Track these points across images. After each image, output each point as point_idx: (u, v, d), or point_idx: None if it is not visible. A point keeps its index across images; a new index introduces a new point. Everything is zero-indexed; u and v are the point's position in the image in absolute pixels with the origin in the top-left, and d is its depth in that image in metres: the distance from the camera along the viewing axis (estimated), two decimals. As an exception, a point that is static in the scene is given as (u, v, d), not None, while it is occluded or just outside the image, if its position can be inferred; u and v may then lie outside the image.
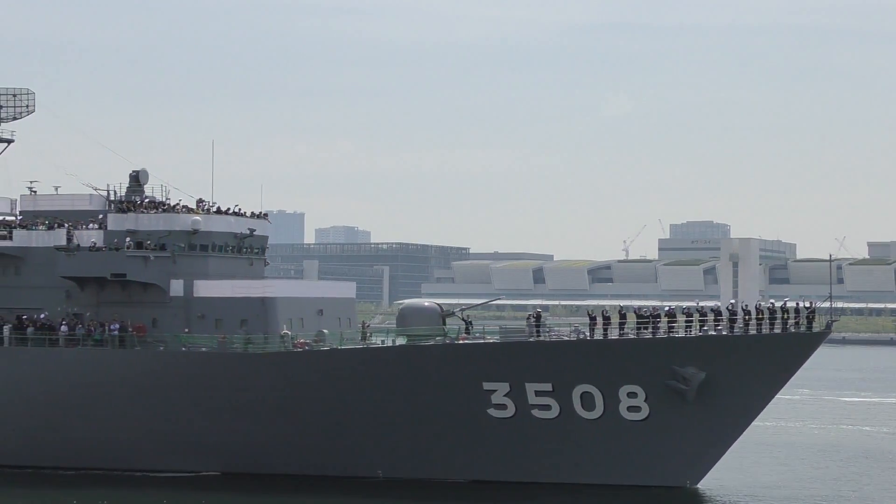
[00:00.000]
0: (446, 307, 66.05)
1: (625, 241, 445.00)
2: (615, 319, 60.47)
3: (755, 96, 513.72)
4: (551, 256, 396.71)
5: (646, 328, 59.66)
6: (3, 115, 74.29)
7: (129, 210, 68.09)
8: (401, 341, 63.50)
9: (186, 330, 65.31)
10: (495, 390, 60.53)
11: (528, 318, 63.25)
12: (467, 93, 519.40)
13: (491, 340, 61.54)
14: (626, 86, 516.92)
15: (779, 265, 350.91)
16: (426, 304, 66.59)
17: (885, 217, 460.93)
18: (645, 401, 59.48)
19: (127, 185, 70.59)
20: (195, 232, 67.11)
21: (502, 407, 60.73)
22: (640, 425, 59.83)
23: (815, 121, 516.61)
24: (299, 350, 63.13)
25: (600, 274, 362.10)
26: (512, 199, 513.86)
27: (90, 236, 67.46)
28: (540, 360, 59.85)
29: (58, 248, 67.05)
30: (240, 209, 70.23)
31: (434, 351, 61.21)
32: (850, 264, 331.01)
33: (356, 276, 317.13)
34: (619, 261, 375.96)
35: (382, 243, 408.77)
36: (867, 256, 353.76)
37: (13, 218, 72.77)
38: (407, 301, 69.26)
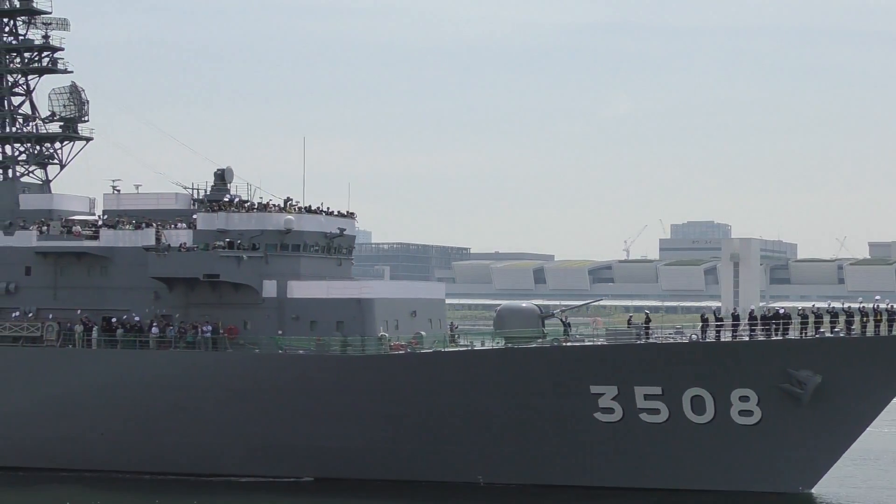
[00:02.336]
0: (545, 308, 64.94)
1: (625, 241, 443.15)
2: (728, 321, 59.38)
3: (755, 96, 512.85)
4: (552, 256, 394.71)
5: (759, 330, 58.57)
6: (58, 111, 72.65)
7: (219, 209, 66.67)
8: (489, 343, 62.50)
9: (280, 332, 63.96)
10: (603, 394, 59.35)
11: (629, 320, 62.28)
12: (467, 93, 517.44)
13: (599, 343, 60.42)
14: (626, 86, 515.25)
15: (780, 265, 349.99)
16: (524, 305, 65.42)
17: (886, 217, 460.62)
18: (757, 405, 58.29)
19: (211, 184, 69.19)
20: (288, 231, 65.76)
21: (609, 411, 59.55)
22: (752, 430, 58.66)
23: (814, 120, 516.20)
24: (401, 353, 61.91)
25: (601, 274, 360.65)
26: (512, 199, 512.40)
27: (179, 236, 66.04)
28: (650, 363, 58.68)
29: (147, 248, 65.63)
30: (328, 208, 68.92)
31: (541, 353, 60.02)
32: (851, 264, 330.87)
33: (357, 276, 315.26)
34: (620, 261, 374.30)
35: (383, 243, 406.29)
36: (868, 256, 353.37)
37: (93, 217, 71.37)
38: (504, 303, 67.92)
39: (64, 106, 72.56)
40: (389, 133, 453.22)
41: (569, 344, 60.25)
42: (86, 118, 72.95)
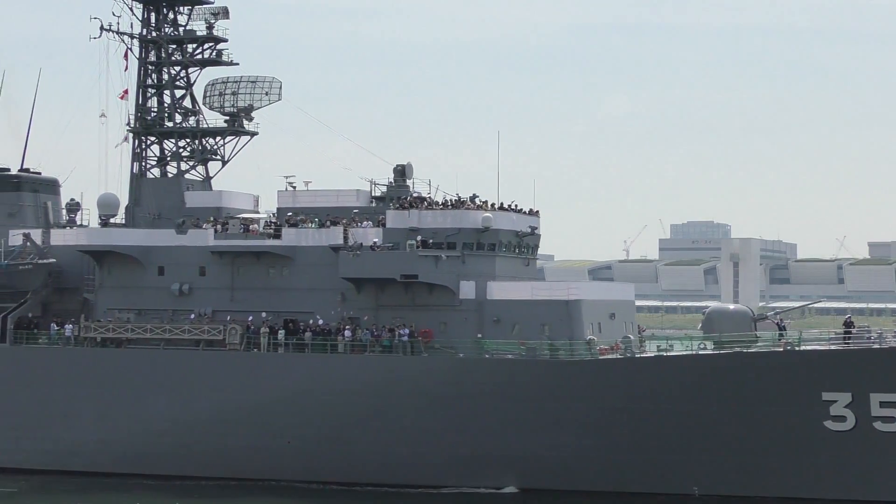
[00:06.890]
0: (758, 311, 62.21)
1: (625, 241, 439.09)
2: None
3: (755, 96, 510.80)
4: (552, 256, 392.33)
5: None
6: (255, 103, 68.94)
7: (410, 206, 63.47)
8: (681, 347, 59.83)
9: (479, 335, 60.89)
10: (835, 401, 56.57)
11: (845, 322, 59.72)
12: (467, 92, 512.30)
13: (833, 347, 57.67)
14: (626, 86, 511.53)
15: (779, 265, 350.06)
16: (731, 307, 62.78)
17: (886, 217, 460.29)
18: None
19: (391, 180, 66.02)
20: (485, 230, 62.65)
21: (841, 419, 56.75)
22: None
23: (814, 120, 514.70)
24: (618, 357, 59.01)
25: (601, 274, 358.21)
26: (512, 199, 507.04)
27: (367, 234, 62.80)
28: (889, 368, 55.94)
29: (336, 248, 62.43)
30: (517, 206, 65.88)
31: (771, 358, 57.22)
32: (850, 264, 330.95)
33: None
34: (620, 261, 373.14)
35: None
36: (868, 256, 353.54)
37: (259, 215, 67.95)
38: (713, 304, 65.21)
39: (230, 100, 68.99)
40: (387, 133, 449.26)
41: (801, 348, 57.53)
42: (256, 110, 69.30)
